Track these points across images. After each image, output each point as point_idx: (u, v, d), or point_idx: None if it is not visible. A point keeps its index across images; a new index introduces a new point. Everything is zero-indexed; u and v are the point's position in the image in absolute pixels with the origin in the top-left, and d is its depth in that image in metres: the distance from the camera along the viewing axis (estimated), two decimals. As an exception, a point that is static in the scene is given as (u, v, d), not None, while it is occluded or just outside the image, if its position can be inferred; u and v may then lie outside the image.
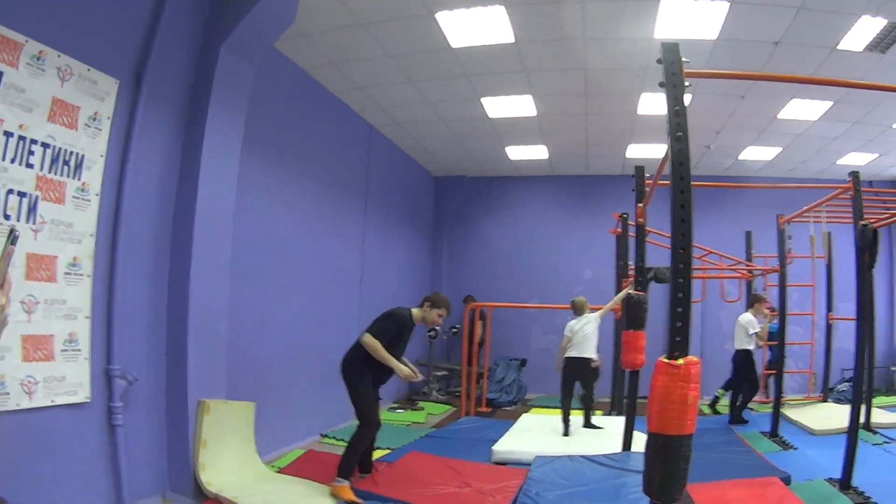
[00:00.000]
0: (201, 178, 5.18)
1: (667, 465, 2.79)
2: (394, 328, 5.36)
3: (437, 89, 8.11)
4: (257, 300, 6.51)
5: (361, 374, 5.34)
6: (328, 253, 8.14)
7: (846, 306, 9.57)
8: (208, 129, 5.24)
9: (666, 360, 2.86)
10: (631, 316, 6.06)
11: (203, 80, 5.30)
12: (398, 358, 5.38)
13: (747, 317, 8.77)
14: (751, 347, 8.45)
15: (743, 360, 8.77)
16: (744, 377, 8.85)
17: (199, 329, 5.22)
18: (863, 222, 5.15)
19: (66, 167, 4.11)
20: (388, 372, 5.42)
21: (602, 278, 11.41)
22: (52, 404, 4.01)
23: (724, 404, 9.62)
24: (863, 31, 6.16)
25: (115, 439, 4.50)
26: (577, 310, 7.80)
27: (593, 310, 7.86)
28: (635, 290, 6.11)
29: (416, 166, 12.06)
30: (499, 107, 8.72)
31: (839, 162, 11.01)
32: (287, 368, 7.12)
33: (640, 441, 6.28)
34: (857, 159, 10.80)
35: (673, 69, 3.02)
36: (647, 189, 5.82)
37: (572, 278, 12.29)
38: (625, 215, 8.37)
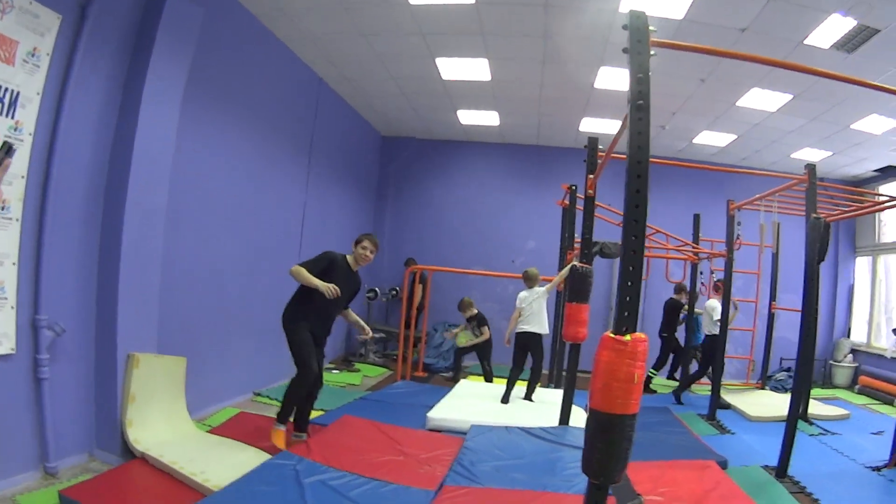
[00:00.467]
0: (140, 119, 4.97)
1: (608, 444, 2.70)
2: (323, 263, 5.34)
3: (390, 45, 7.88)
4: (191, 250, 6.28)
5: (297, 324, 5.32)
6: (268, 205, 7.91)
7: (788, 297, 9.93)
8: (151, 71, 5.01)
9: (612, 336, 2.74)
10: (575, 288, 5.95)
11: (149, 20, 5.07)
12: (339, 307, 5.55)
13: (713, 303, 8.91)
14: (716, 332, 8.56)
15: (709, 345, 8.93)
16: (704, 362, 9.16)
17: (131, 278, 5.04)
18: (815, 215, 5.22)
19: (-1, 104, 3.86)
20: (327, 322, 5.56)
21: (546, 249, 11.41)
22: (-26, 355, 3.81)
23: (657, 383, 9.85)
24: (831, 28, 6.21)
25: (40, 393, 4.34)
26: (529, 281, 7.73)
27: (545, 281, 7.80)
28: (580, 262, 6.06)
29: (363, 124, 11.83)
30: (453, 68, 8.54)
31: (793, 155, 11.19)
32: (220, 323, 6.95)
33: (578, 416, 6.40)
34: (810, 155, 10.97)
35: (639, 36, 2.91)
36: (600, 161, 5.78)
37: (516, 248, 12.37)
38: (573, 187, 8.43)
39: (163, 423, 5.21)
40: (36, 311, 4.25)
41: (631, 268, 2.83)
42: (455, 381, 9.06)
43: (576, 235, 8.18)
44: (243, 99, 7.10)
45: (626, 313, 2.78)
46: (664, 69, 7.50)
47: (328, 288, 5.04)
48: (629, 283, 2.81)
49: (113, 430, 4.92)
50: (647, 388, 9.68)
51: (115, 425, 4.91)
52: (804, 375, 5.92)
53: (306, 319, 5.33)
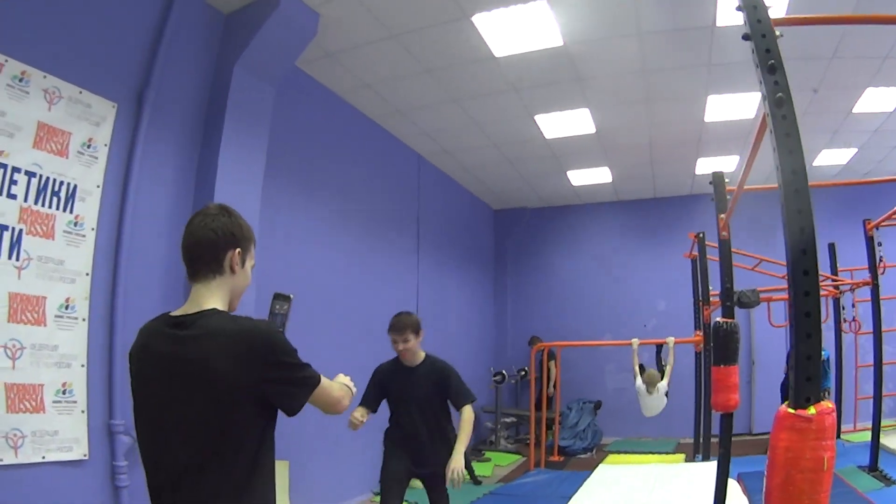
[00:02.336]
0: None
1: None
2: (369, 385, 4.47)
3: (484, 107, 7.58)
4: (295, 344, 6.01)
5: (385, 446, 4.52)
6: (376, 297, 7.58)
7: None
8: (223, 156, 4.85)
9: (791, 411, 2.07)
10: (720, 348, 4.91)
11: (216, 103, 4.95)
12: (407, 415, 4.39)
13: None
14: None
15: None
16: None
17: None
18: None
19: (55, 198, 3.76)
20: (414, 442, 4.34)
21: (677, 308, 10.66)
22: (43, 461, 3.61)
23: None
24: None
25: (119, 501, 4.05)
26: (650, 383, 7.58)
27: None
28: (723, 316, 5.24)
29: (472, 199, 11.60)
30: (554, 125, 8.16)
31: None
32: (337, 421, 6.60)
33: (735, 499, 5.52)
34: None
35: (757, 15, 2.37)
36: (730, 198, 5.13)
37: (645, 310, 11.58)
38: (701, 234, 7.80)
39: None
40: (111, 415, 4.03)
41: (807, 314, 2.13)
42: None
43: (711, 289, 7.56)
44: (336, 184, 6.98)
45: (806, 378, 2.09)
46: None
47: (351, 422, 4.00)
48: (808, 336, 2.11)
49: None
50: None
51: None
52: None
53: (392, 440, 4.49)
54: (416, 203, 9.01)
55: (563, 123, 8.15)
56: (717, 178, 5.19)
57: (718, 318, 5.02)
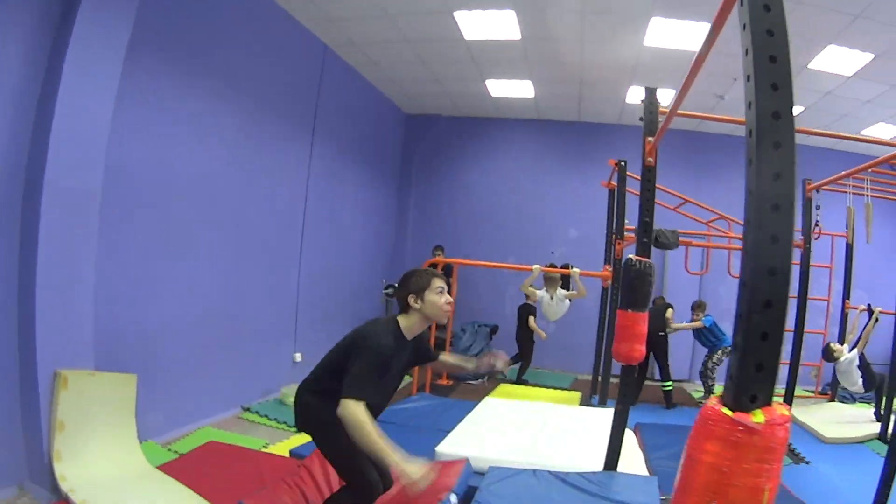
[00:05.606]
0: (63, 80, 4.17)
1: None
2: (375, 368, 3.15)
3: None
4: (151, 245, 5.49)
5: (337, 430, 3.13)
6: (259, 194, 7.09)
7: (859, 294, 9.12)
8: (79, 20, 4.20)
9: (728, 413, 1.52)
10: (630, 290, 4.48)
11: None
12: (388, 397, 3.58)
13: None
14: None
15: None
16: None
17: (52, 279, 4.24)
18: None
19: None
20: (384, 404, 3.58)
21: (589, 239, 10.56)
22: None
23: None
24: None
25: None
26: (550, 285, 7.89)
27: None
28: (637, 254, 4.65)
29: (381, 99, 10.94)
30: (475, 24, 7.55)
31: (864, 132, 9.99)
32: (200, 331, 6.17)
33: (628, 455, 5.26)
34: (884, 131, 9.88)
35: None
36: (661, 120, 4.67)
37: (555, 237, 11.48)
38: (622, 162, 7.59)
39: (102, 456, 4.40)
40: None
41: (772, 271, 1.54)
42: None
43: (626, 222, 7.44)
44: (224, 67, 6.31)
45: (758, 364, 1.52)
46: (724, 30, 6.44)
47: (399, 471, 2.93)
48: (767, 305, 1.53)
49: (42, 463, 4.17)
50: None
51: (43, 457, 4.17)
52: None
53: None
54: (316, 96, 8.35)
55: (485, 23, 7.55)
56: (650, 95, 4.74)
57: (631, 256, 4.62)
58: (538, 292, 8.64)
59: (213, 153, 6.25)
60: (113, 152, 4.65)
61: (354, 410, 2.90)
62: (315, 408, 3.38)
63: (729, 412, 1.50)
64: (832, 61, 7.58)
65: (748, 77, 1.66)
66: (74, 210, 4.35)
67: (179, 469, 4.73)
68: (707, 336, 8.98)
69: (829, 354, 7.90)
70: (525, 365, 9.65)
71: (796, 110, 8.55)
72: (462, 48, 8.34)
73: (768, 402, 1.50)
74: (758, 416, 1.47)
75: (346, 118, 9.39)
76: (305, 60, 8.07)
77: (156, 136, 5.45)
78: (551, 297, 8.50)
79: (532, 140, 12.03)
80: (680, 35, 7.26)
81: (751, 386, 1.51)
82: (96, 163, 4.49)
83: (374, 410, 3.20)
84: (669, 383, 8.52)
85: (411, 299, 3.42)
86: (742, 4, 1.72)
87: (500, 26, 7.57)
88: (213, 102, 6.19)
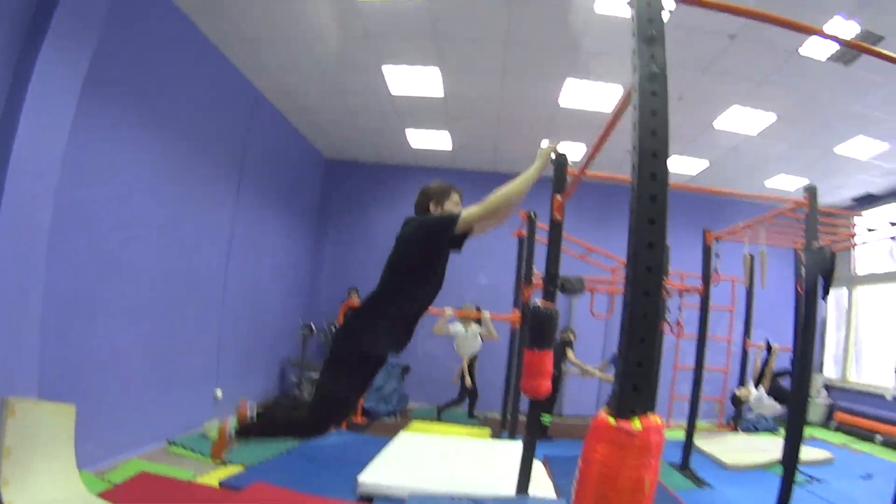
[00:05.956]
0: (23, 120, 4.35)
1: None
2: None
3: (332, 50, 7.33)
4: (88, 281, 5.61)
5: (367, 347, 3.41)
6: (188, 230, 7.24)
7: (760, 333, 9.85)
8: (40, 62, 4.42)
9: (613, 422, 1.97)
10: (536, 332, 5.01)
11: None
12: (427, 299, 3.63)
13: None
14: None
15: None
16: None
17: (2, 308, 4.37)
18: (818, 244, 4.76)
19: None
20: (386, 354, 3.59)
21: (499, 284, 11.06)
22: None
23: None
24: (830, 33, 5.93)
25: None
26: (465, 319, 8.21)
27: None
28: (544, 299, 5.28)
29: (304, 144, 11.26)
30: (402, 80, 8.05)
31: (767, 183, 11.01)
32: (128, 363, 6.24)
33: (538, 480, 5.76)
34: (785, 182, 10.85)
35: None
36: (570, 179, 5.22)
37: (466, 282, 11.64)
38: (532, 213, 8.04)
39: (46, 482, 4.51)
40: None
41: (644, 315, 2.01)
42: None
43: (534, 269, 7.85)
44: (167, 110, 6.53)
45: (634, 386, 1.98)
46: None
47: None
48: (642, 340, 2.00)
49: (-9, 488, 4.22)
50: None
51: (-9, 482, 4.22)
52: (797, 420, 5.36)
53: (390, 336, 3.49)
54: (244, 141, 8.60)
55: (411, 80, 8.06)
56: (561, 158, 5.19)
57: (538, 301, 5.16)
58: (453, 327, 9.03)
59: (149, 188, 6.41)
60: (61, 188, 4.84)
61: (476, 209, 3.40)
62: (351, 318, 3.48)
63: (614, 421, 1.95)
64: (737, 121, 8.39)
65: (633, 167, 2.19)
66: (24, 242, 4.49)
67: (116, 498, 4.85)
68: None
69: (737, 401, 8.65)
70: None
71: (701, 164, 9.42)
72: (387, 102, 8.81)
73: (645, 413, 1.95)
74: (636, 424, 1.92)
75: (271, 162, 9.65)
76: (237, 105, 8.34)
77: (104, 174, 5.65)
78: (465, 330, 8.92)
79: (447, 188, 12.37)
80: (591, 95, 7.91)
81: (630, 402, 1.97)
82: (47, 198, 4.66)
83: (415, 318, 3.56)
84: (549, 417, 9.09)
85: (432, 205, 3.83)
86: (635, 108, 2.21)
87: (424, 83, 8.08)
88: (152, 144, 6.38)
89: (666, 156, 2.11)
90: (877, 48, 3.19)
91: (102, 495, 4.89)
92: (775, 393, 8.36)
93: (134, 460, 6.15)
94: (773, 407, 8.47)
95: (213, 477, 5.87)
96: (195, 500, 5.06)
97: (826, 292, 4.04)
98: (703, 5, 2.85)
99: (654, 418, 1.95)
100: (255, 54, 7.60)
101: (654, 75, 2.15)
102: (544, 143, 3.15)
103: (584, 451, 2.02)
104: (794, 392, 5.43)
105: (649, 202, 2.09)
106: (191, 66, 6.98)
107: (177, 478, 5.67)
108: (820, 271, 3.75)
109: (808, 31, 2.97)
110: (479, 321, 9.27)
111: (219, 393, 8.11)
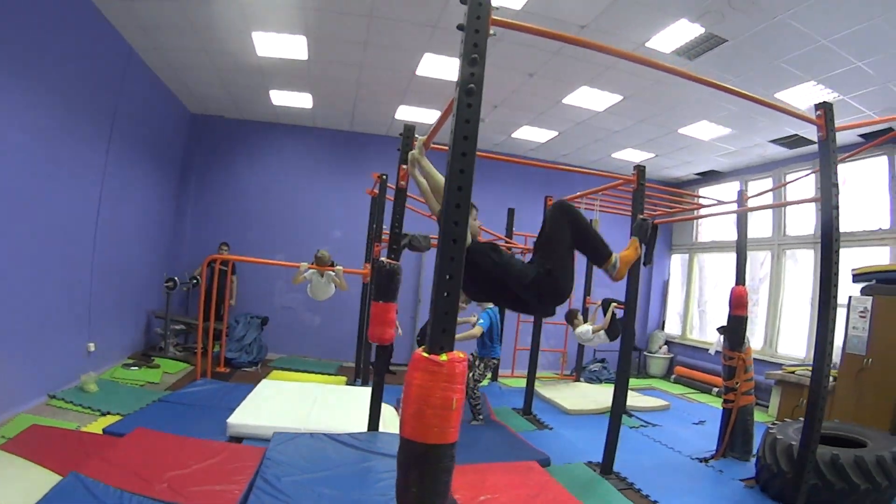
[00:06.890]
0: None
1: (425, 477, 2.52)
2: None
3: (208, 13, 7.54)
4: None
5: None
6: (58, 185, 7.25)
7: (601, 291, 10.67)
8: None
9: (426, 355, 2.57)
10: (381, 285, 5.81)
11: None
12: None
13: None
14: None
15: None
16: None
17: None
18: (641, 216, 5.60)
19: None
20: None
21: (353, 240, 11.60)
22: None
23: None
24: (676, 34, 6.79)
25: None
26: (320, 262, 8.94)
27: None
28: (388, 257, 5.99)
29: (171, 98, 11.23)
30: (270, 44, 8.38)
31: (615, 155, 12.06)
32: (2, 322, 6.29)
33: (388, 418, 6.51)
34: (633, 155, 11.87)
35: (479, 12, 2.85)
36: None
37: (322, 236, 12.26)
38: (384, 176, 8.56)
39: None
40: None
41: (448, 275, 2.58)
42: None
43: (385, 227, 8.14)
44: (32, 59, 6.47)
45: (442, 329, 2.58)
46: (491, 59, 7.61)
47: None
48: (445, 294, 2.58)
49: None
50: None
51: None
52: (623, 368, 6.31)
53: None
54: (117, 94, 8.65)
55: (277, 44, 8.36)
56: (408, 131, 5.91)
57: (383, 258, 5.94)
58: (306, 273, 9.26)
59: (18, 143, 6.34)
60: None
61: None
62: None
63: (427, 354, 2.57)
64: (585, 99, 9.19)
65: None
66: None
67: (14, 450, 5.07)
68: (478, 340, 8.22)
69: (570, 318, 9.50)
70: None
71: (549, 134, 10.24)
72: (254, 62, 9.11)
73: (451, 350, 2.59)
74: (444, 357, 2.56)
75: (140, 116, 9.68)
76: (111, 61, 8.37)
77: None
78: (321, 275, 9.29)
79: (307, 146, 12.84)
80: (446, 69, 8.50)
81: (439, 340, 2.58)
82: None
83: None
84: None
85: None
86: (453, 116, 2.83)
87: (290, 48, 8.45)
88: (15, 94, 6.25)
89: (472, 155, 2.77)
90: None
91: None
92: (611, 331, 9.02)
93: (21, 415, 6.35)
94: (591, 340, 9.16)
95: (96, 426, 6.25)
96: (86, 446, 5.38)
97: (647, 259, 4.66)
98: (524, 30, 3.39)
99: (457, 354, 2.59)
100: (134, 15, 7.73)
101: (472, 91, 2.81)
102: None
103: (406, 378, 2.63)
104: (623, 344, 6.34)
105: (456, 192, 2.71)
106: (63, 20, 6.95)
107: (66, 428, 5.98)
108: (642, 240, 4.35)
109: (616, 54, 3.59)
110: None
111: (91, 346, 8.28)
